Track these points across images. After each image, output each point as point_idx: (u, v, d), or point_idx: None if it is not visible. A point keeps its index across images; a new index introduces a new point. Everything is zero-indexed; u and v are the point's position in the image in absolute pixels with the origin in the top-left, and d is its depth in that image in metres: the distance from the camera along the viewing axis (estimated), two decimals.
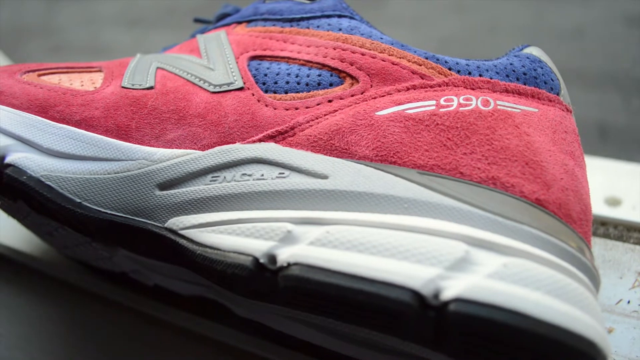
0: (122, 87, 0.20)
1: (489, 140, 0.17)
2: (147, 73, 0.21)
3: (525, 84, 0.19)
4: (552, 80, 0.20)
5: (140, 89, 0.20)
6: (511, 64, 0.20)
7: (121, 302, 0.27)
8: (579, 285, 0.15)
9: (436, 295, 0.14)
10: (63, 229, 0.21)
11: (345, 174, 0.16)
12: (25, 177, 0.18)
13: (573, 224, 0.17)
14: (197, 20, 0.28)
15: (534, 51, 0.20)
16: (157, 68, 0.21)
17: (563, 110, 0.19)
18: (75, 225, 0.19)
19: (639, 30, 0.90)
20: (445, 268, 0.14)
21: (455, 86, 0.18)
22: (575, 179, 0.17)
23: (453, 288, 0.14)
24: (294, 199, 0.16)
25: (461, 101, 0.18)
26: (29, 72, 0.22)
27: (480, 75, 0.19)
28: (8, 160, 0.19)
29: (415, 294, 0.14)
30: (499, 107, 0.18)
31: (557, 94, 0.20)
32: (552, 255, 0.15)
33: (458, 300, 0.14)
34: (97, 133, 0.19)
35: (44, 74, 0.22)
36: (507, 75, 0.19)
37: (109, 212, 0.19)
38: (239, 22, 0.23)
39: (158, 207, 0.18)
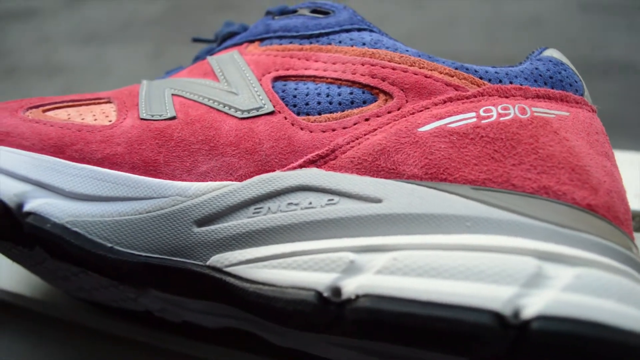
0: (142, 119, 0.19)
1: (534, 149, 0.17)
2: (164, 102, 0.20)
3: (552, 88, 0.19)
4: (576, 82, 0.20)
5: (162, 120, 0.19)
6: (536, 68, 0.20)
7: (142, 341, 0.25)
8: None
9: (516, 315, 0.14)
10: (85, 274, 0.20)
11: (399, 195, 0.16)
12: (49, 225, 0.17)
13: (621, 225, 0.17)
14: (196, 40, 0.27)
15: (554, 54, 0.21)
16: (173, 95, 0.20)
17: (590, 111, 0.19)
18: (104, 270, 0.18)
19: (595, 15, 0.94)
20: (521, 285, 0.14)
21: (490, 95, 0.18)
22: (615, 180, 0.18)
23: (533, 306, 0.13)
24: (350, 227, 0.16)
25: (500, 111, 0.18)
26: (31, 108, 0.20)
27: (510, 83, 0.19)
28: (27, 208, 0.17)
29: (496, 315, 0.14)
30: (535, 114, 0.18)
31: (582, 95, 0.20)
32: (614, 260, 0.15)
33: (540, 318, 0.13)
34: (122, 171, 0.18)
35: (49, 109, 0.20)
36: (536, 81, 0.19)
37: (144, 254, 0.17)
38: (251, 41, 0.22)
39: (198, 245, 0.17)
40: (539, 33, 0.94)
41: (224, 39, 0.24)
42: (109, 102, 0.21)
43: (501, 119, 0.17)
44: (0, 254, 0.24)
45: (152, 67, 1.19)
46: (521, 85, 0.19)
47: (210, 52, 0.24)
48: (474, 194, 0.16)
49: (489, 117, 0.18)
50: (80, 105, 0.21)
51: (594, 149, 0.18)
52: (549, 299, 0.14)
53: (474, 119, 0.17)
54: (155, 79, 0.23)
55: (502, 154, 0.17)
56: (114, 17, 1.32)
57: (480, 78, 0.19)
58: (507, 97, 0.18)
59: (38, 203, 0.17)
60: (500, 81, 0.19)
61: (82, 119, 0.20)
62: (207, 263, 0.17)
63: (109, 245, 0.17)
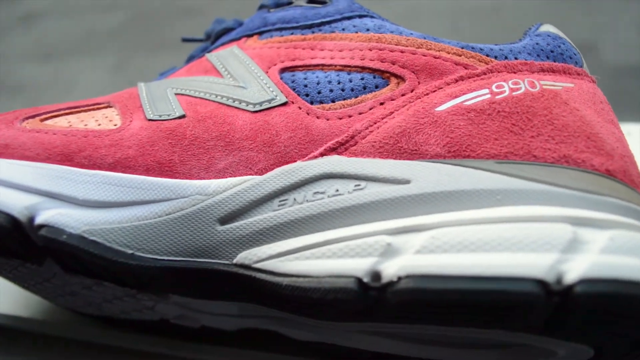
0: (149, 120, 0.18)
1: (549, 121, 0.17)
2: (169, 101, 0.19)
3: (554, 61, 0.20)
4: (575, 54, 0.20)
5: (171, 119, 0.18)
6: (537, 43, 0.20)
7: (152, 352, 0.25)
8: None
9: (559, 281, 0.14)
10: (99, 286, 0.19)
11: (427, 175, 0.16)
12: (65, 237, 0.16)
13: (637, 188, 0.17)
14: (185, 40, 0.26)
15: (550, 29, 0.21)
16: (177, 94, 0.20)
17: (591, 82, 0.20)
18: (124, 278, 0.18)
19: (554, 2, 0.97)
20: (560, 252, 0.14)
21: (498, 72, 0.18)
22: (625, 146, 0.18)
23: (575, 270, 0.14)
24: (381, 210, 0.16)
25: (511, 86, 0.18)
26: (27, 118, 0.19)
27: (515, 58, 0.19)
28: (40, 220, 0.16)
29: (540, 282, 0.14)
30: (544, 87, 0.18)
31: (582, 67, 0.20)
32: (638, 220, 0.16)
33: (583, 281, 0.14)
34: (136, 174, 0.17)
35: (47, 118, 0.19)
36: (538, 55, 0.20)
37: (167, 258, 0.17)
38: (249, 35, 0.22)
39: (222, 243, 0.17)
40: (501, 21, 0.96)
41: (218, 36, 0.23)
42: (109, 106, 0.20)
43: (514, 93, 0.18)
44: None
45: (116, 79, 1.16)
46: (526, 60, 0.19)
47: (205, 50, 0.23)
48: (498, 168, 0.16)
49: (501, 92, 0.18)
50: (80, 111, 0.20)
51: (601, 117, 0.18)
52: (589, 262, 0.14)
53: (488, 95, 0.18)
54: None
55: (520, 127, 0.17)
56: (72, 30, 1.28)
57: (487, 55, 0.19)
58: (515, 73, 0.19)
59: (51, 214, 0.16)
60: (506, 57, 0.19)
61: (85, 125, 0.19)
62: (234, 261, 0.17)
63: (130, 252, 0.17)
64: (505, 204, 0.15)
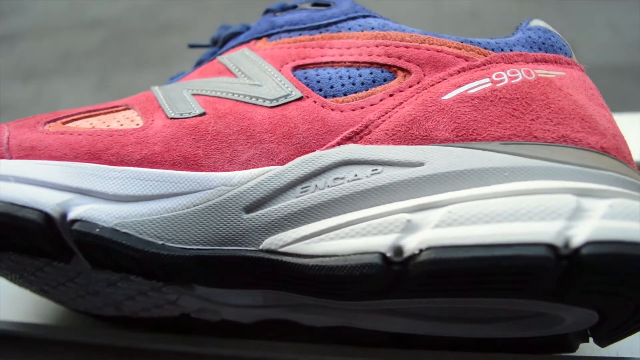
0: (171, 118, 0.19)
1: (547, 105, 0.19)
2: (187, 101, 0.20)
3: (546, 52, 0.21)
4: (564, 46, 0.22)
5: (192, 117, 0.19)
6: (529, 37, 0.21)
7: (169, 350, 0.25)
8: None
9: (567, 245, 0.15)
10: (124, 281, 0.20)
11: (439, 157, 0.17)
12: (98, 230, 0.17)
13: (629, 163, 0.19)
14: (192, 46, 0.27)
15: (540, 23, 0.23)
16: (193, 95, 0.21)
17: (580, 70, 0.21)
18: (153, 270, 0.18)
19: (530, 4, 1.01)
20: (566, 219, 0.15)
21: (496, 63, 0.20)
22: (615, 126, 0.20)
23: (580, 235, 0.15)
24: (398, 191, 0.17)
25: (509, 75, 0.19)
26: (50, 122, 0.20)
27: (511, 50, 0.21)
28: (72, 216, 0.17)
29: (550, 246, 0.15)
30: (539, 75, 0.20)
31: (570, 57, 0.22)
32: (633, 191, 0.17)
33: (588, 243, 0.15)
34: (163, 168, 0.18)
35: (69, 121, 0.20)
36: (531, 47, 0.21)
37: (195, 247, 0.18)
38: (258, 38, 0.23)
39: (249, 230, 0.18)
40: (480, 25, 1.00)
41: (226, 40, 0.24)
42: (128, 108, 0.21)
43: (512, 81, 0.19)
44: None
45: (99, 97, 1.16)
46: (520, 52, 0.21)
47: (215, 54, 0.24)
48: (504, 148, 0.17)
49: (501, 81, 0.19)
50: (100, 114, 0.21)
51: (592, 102, 0.20)
52: (593, 227, 0.15)
53: (489, 84, 0.19)
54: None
55: (520, 112, 0.18)
56: (52, 50, 1.27)
57: (485, 48, 0.20)
58: (511, 63, 0.20)
59: (83, 209, 0.17)
60: (502, 50, 0.20)
61: (108, 126, 0.20)
62: (261, 247, 0.18)
63: (160, 242, 0.17)
64: (513, 179, 0.17)
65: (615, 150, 0.18)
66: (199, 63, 0.25)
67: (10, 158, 0.19)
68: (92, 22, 1.44)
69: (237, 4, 1.43)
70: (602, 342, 0.20)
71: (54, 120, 0.20)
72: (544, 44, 0.21)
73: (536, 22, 0.23)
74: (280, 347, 0.23)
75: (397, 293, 0.17)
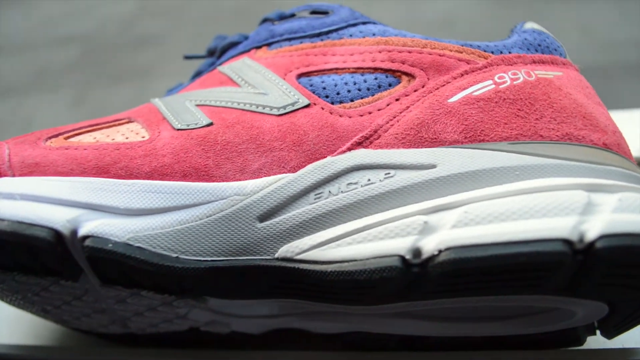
0: (178, 129, 0.19)
1: (549, 104, 0.19)
2: (192, 112, 0.20)
3: (543, 54, 0.22)
4: (559, 47, 0.23)
5: (199, 127, 0.19)
6: (525, 39, 0.22)
7: None
8: None
9: (581, 239, 0.15)
10: (135, 297, 0.19)
11: (450, 159, 0.17)
12: (110, 245, 0.17)
13: (630, 158, 0.19)
14: (188, 57, 0.27)
15: (534, 26, 0.23)
16: (197, 105, 0.21)
17: (575, 70, 0.22)
18: (166, 284, 0.18)
19: (505, 10, 1.03)
20: (579, 214, 0.16)
21: (497, 65, 0.20)
22: (614, 123, 0.20)
23: (593, 229, 0.15)
24: (413, 193, 0.17)
25: (511, 76, 0.20)
26: (51, 137, 0.20)
27: (509, 53, 0.21)
28: (83, 232, 0.17)
29: (566, 241, 0.15)
30: (538, 76, 0.20)
31: (565, 58, 0.22)
32: (638, 184, 0.18)
33: (602, 237, 0.15)
34: (174, 180, 0.18)
35: (71, 136, 0.20)
36: (528, 49, 0.22)
37: (210, 259, 0.18)
38: (258, 47, 0.23)
39: (263, 240, 0.18)
40: (453, 31, 1.01)
41: (224, 51, 0.24)
42: (131, 121, 0.21)
43: (514, 82, 0.20)
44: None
45: (76, 114, 1.14)
46: (519, 53, 0.21)
47: (213, 65, 0.24)
48: (512, 148, 0.18)
49: (503, 82, 0.20)
50: (102, 128, 0.20)
51: (590, 100, 0.20)
52: (605, 220, 0.15)
53: (493, 86, 0.19)
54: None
55: (525, 112, 0.19)
56: (28, 67, 1.25)
57: (485, 51, 0.21)
58: (511, 65, 0.20)
59: (94, 225, 0.17)
60: (501, 52, 0.21)
61: (113, 139, 0.19)
62: (276, 255, 0.18)
63: (175, 255, 0.17)
64: (524, 178, 0.17)
65: (617, 147, 0.19)
66: (197, 74, 0.25)
67: (13, 176, 0.18)
68: (66, 38, 1.42)
69: (213, 17, 1.43)
70: (610, 334, 0.20)
71: (56, 136, 0.20)
72: (539, 45, 0.22)
73: (530, 25, 0.23)
74: (289, 355, 0.23)
75: (414, 295, 0.17)
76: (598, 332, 0.21)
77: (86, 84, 1.24)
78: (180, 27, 1.43)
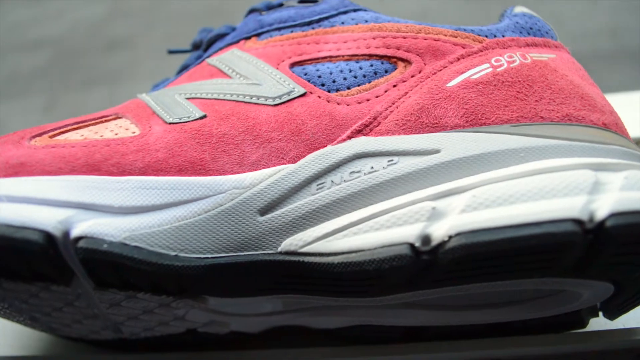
0: (170, 123, 0.18)
1: (547, 86, 0.19)
2: (183, 106, 0.19)
3: (535, 37, 0.22)
4: (550, 30, 0.22)
5: (192, 120, 0.18)
6: (517, 22, 0.22)
7: None
8: None
9: (591, 218, 0.15)
10: (131, 300, 0.19)
11: (454, 143, 0.17)
12: (106, 246, 0.16)
13: (628, 137, 0.19)
14: (172, 52, 0.26)
15: (524, 9, 0.23)
16: (188, 99, 0.20)
17: (567, 53, 0.22)
18: (165, 284, 0.17)
19: (474, 3, 1.04)
20: (588, 193, 0.15)
21: (492, 48, 0.20)
22: (609, 103, 0.20)
23: (603, 207, 0.15)
24: (418, 180, 0.17)
25: (507, 59, 0.20)
26: (35, 137, 0.19)
27: (503, 36, 0.21)
28: (76, 233, 0.16)
29: (576, 221, 0.15)
30: (534, 58, 0.20)
31: (556, 40, 0.22)
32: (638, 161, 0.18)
33: (612, 215, 0.15)
34: (170, 175, 0.17)
35: (56, 135, 0.19)
36: (520, 32, 0.21)
37: (210, 256, 0.17)
38: (247, 38, 0.22)
39: (265, 233, 0.17)
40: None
41: (211, 43, 0.24)
42: (119, 117, 0.20)
43: (511, 65, 0.19)
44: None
45: (48, 119, 1.11)
46: (512, 37, 0.21)
47: (200, 58, 0.24)
48: (514, 130, 0.18)
49: (500, 65, 0.19)
50: (89, 125, 0.19)
51: (585, 81, 0.20)
52: (613, 199, 0.15)
53: (490, 69, 0.19)
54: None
55: (524, 94, 0.19)
56: None
57: (479, 35, 0.21)
58: (506, 48, 0.20)
59: (87, 225, 0.16)
60: (495, 35, 0.21)
61: (101, 136, 0.18)
62: (279, 249, 0.17)
63: (174, 253, 0.16)
64: (529, 160, 0.17)
65: (615, 126, 0.19)
66: (184, 68, 0.24)
67: None
68: (35, 43, 1.38)
69: (183, 18, 1.41)
70: (613, 314, 0.20)
71: (40, 135, 0.19)
72: (531, 28, 0.22)
73: (520, 9, 0.23)
74: (290, 353, 0.23)
75: (422, 284, 0.17)
76: (600, 313, 0.21)
77: (57, 88, 1.21)
78: (150, 29, 1.40)
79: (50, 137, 0.19)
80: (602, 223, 0.15)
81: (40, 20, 1.50)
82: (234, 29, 0.23)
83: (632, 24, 1.01)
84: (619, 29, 1.02)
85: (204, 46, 0.24)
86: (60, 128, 0.19)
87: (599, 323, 0.22)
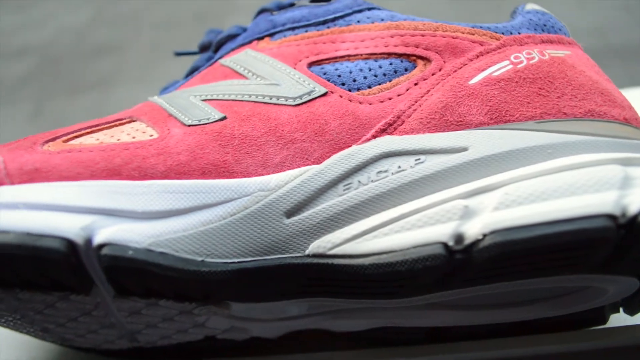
0: (189, 125, 0.18)
1: (568, 82, 0.19)
2: (199, 107, 0.19)
3: (549, 34, 0.22)
4: (562, 27, 0.22)
5: (212, 122, 0.18)
6: (530, 19, 0.22)
7: None
8: None
9: (624, 213, 0.15)
10: (151, 307, 0.18)
11: (481, 141, 0.17)
12: (131, 252, 0.15)
13: None
14: (179, 54, 0.26)
15: (535, 7, 0.23)
16: (204, 100, 0.19)
17: (581, 49, 0.22)
18: (190, 290, 0.17)
19: (463, 2, 1.05)
20: (619, 189, 0.15)
21: (510, 46, 0.20)
22: (626, 99, 0.20)
23: (635, 202, 0.15)
24: (448, 178, 0.16)
25: (525, 56, 0.19)
26: (48, 141, 0.18)
27: (519, 33, 0.21)
28: (99, 240, 0.15)
29: (610, 216, 0.15)
30: (551, 55, 0.20)
31: (570, 37, 0.22)
32: None
33: None
34: (193, 179, 0.17)
35: (70, 139, 0.18)
36: (535, 29, 0.21)
37: (237, 260, 0.16)
38: (260, 38, 0.22)
39: (292, 236, 0.17)
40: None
41: (220, 44, 0.23)
42: (133, 120, 0.19)
43: (530, 62, 0.19)
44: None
45: (36, 126, 1.09)
46: (528, 34, 0.21)
47: (210, 59, 0.23)
48: (539, 127, 0.17)
49: (520, 62, 0.19)
50: (103, 128, 0.19)
51: (601, 77, 0.20)
52: None
53: (510, 66, 0.19)
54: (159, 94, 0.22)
55: (546, 90, 0.18)
56: None
57: (495, 32, 0.20)
58: (523, 45, 0.20)
59: (111, 231, 0.15)
60: (511, 33, 0.21)
61: (118, 140, 0.18)
62: (307, 252, 0.17)
63: (200, 259, 0.16)
64: (557, 156, 0.17)
65: (635, 120, 0.19)
66: (194, 70, 0.24)
67: (12, 184, 0.16)
68: (21, 50, 1.36)
69: (170, 23, 1.40)
70: (634, 310, 0.20)
71: (53, 140, 0.18)
72: (545, 25, 0.22)
73: (531, 6, 0.23)
74: (312, 357, 0.22)
75: (453, 283, 0.17)
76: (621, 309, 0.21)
77: (44, 95, 1.19)
78: (137, 34, 1.39)
79: (64, 141, 0.18)
80: (634, 218, 0.15)
81: (25, 27, 1.47)
82: (244, 30, 0.23)
83: (618, 23, 1.03)
84: (605, 28, 1.04)
85: (214, 47, 0.23)
86: (74, 132, 0.19)
87: (618, 319, 0.22)
